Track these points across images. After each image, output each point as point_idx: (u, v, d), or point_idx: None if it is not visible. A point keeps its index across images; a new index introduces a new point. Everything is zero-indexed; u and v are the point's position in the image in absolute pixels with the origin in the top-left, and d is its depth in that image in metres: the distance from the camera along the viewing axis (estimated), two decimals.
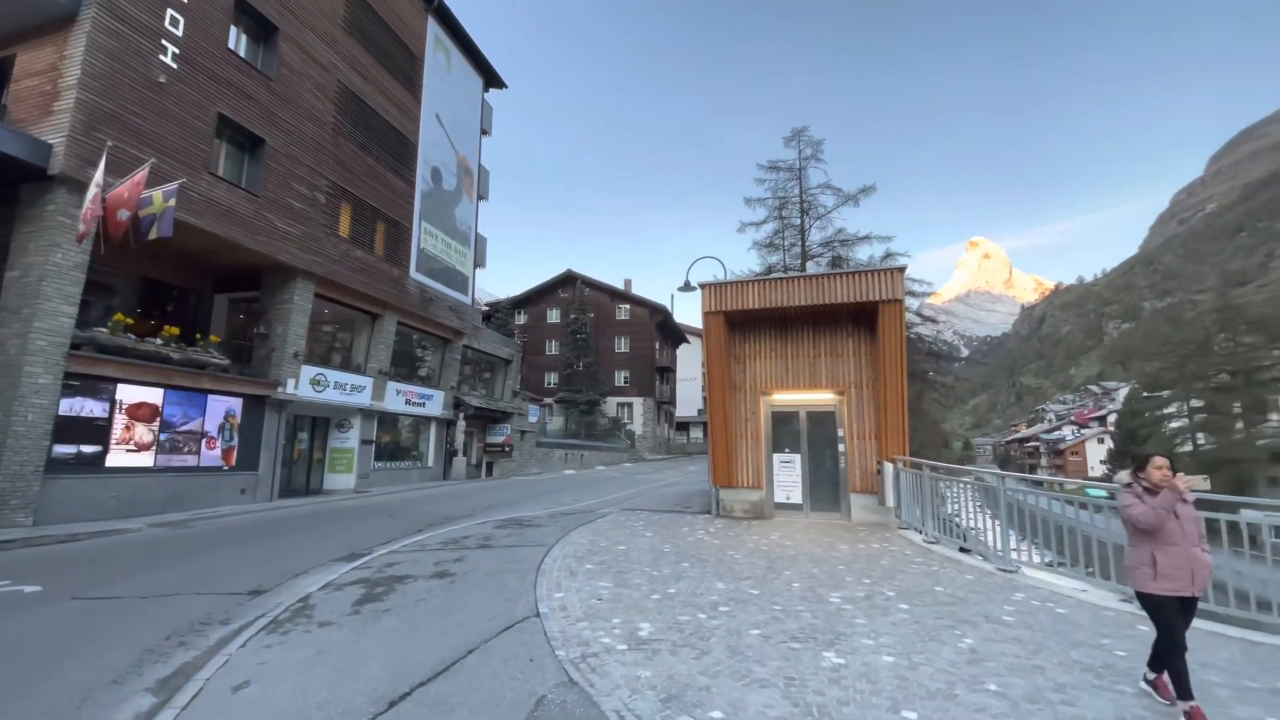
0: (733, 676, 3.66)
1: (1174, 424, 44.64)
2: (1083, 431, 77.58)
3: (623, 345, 44.60)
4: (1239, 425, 39.65)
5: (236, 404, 12.99)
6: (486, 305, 44.00)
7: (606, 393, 41.84)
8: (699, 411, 55.68)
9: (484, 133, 24.43)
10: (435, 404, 20.39)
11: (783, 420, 10.48)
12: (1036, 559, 7.22)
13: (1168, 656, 3.30)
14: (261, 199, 13.23)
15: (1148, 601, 3.44)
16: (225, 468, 12.68)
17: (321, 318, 16.63)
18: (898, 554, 7.41)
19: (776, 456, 10.34)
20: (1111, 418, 68.53)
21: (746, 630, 4.48)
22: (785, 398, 10.52)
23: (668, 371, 48.44)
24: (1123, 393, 76.82)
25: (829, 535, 8.64)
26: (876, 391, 9.66)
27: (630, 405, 43.58)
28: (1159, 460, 3.50)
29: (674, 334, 49.85)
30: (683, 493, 15.65)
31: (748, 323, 10.75)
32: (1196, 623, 4.93)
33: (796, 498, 10.15)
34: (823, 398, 10.27)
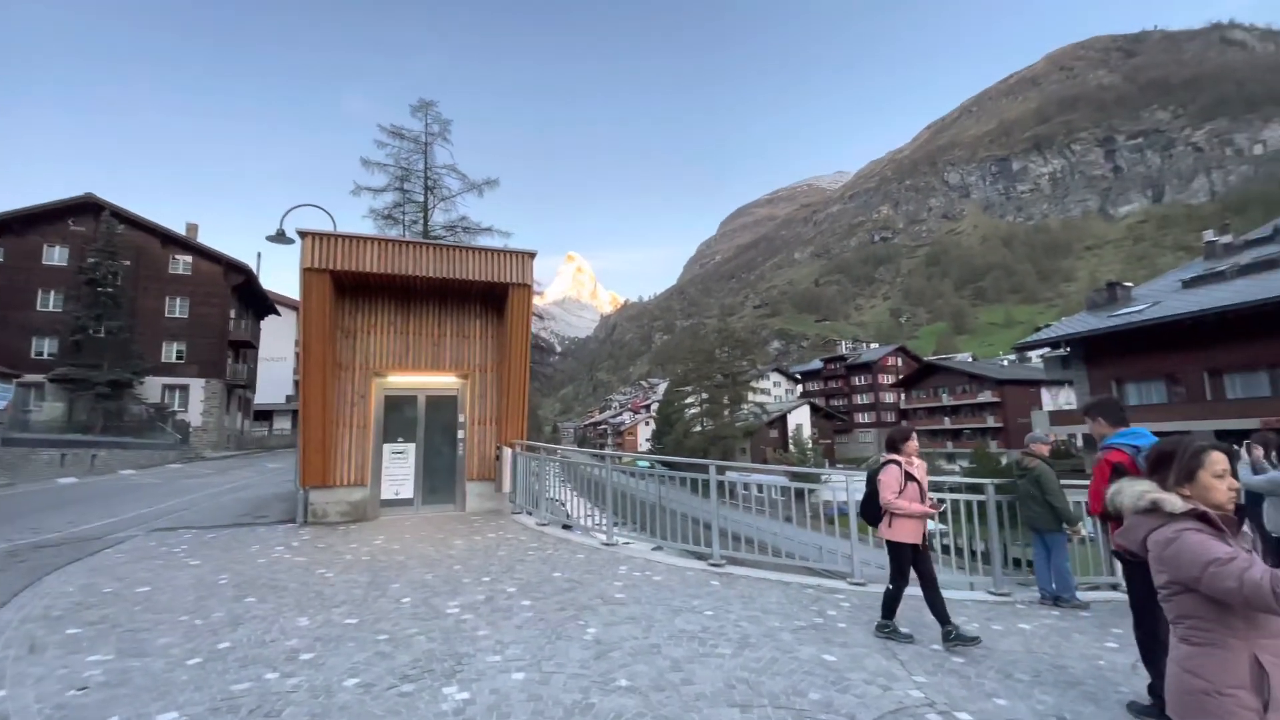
0: None
1: (692, 411, 59.86)
2: (635, 416, 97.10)
3: (178, 309, 32.90)
4: (727, 412, 55.84)
5: None
6: None
7: (146, 370, 30.60)
8: (288, 398, 46.58)
9: None
10: None
11: (398, 406, 9.19)
12: (626, 529, 8.01)
13: None
14: None
15: None
16: None
17: None
18: (514, 542, 7.21)
19: (388, 447, 9.00)
20: (654, 406, 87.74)
21: (340, 682, 3.37)
22: (404, 380, 9.27)
23: (247, 347, 38.50)
24: (662, 387, 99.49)
25: (443, 530, 7.89)
26: (501, 375, 9.39)
27: (185, 388, 32.63)
28: (1219, 460, 1.86)
29: (259, 302, 39.96)
30: (257, 498, 12.38)
31: (363, 289, 9.07)
32: (751, 572, 6.17)
33: (408, 492, 9.03)
34: (446, 381, 9.44)
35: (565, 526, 8.14)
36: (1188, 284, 27.10)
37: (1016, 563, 6.03)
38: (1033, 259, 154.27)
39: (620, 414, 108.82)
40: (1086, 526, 5.79)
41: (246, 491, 14.10)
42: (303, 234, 8.24)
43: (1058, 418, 30.42)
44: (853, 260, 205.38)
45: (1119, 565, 6.00)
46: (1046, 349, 33.46)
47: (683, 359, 73.77)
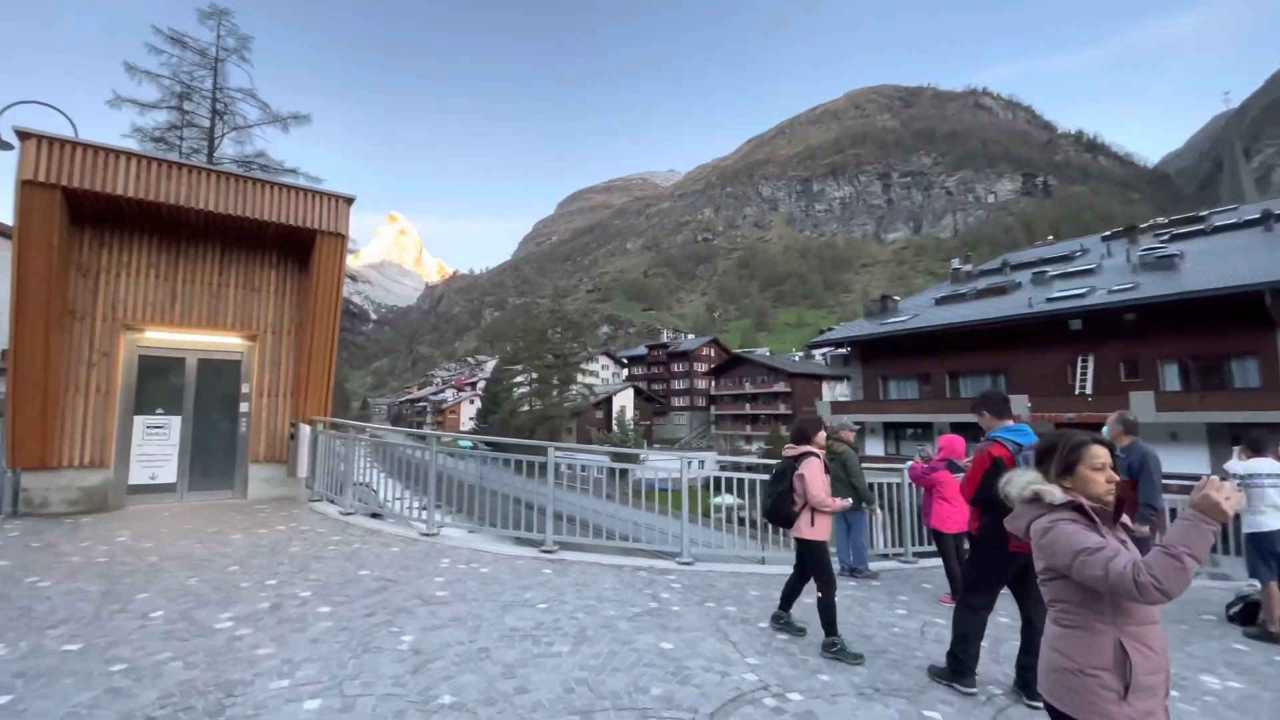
0: None
1: (521, 390, 58.83)
2: (460, 394, 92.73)
3: None
4: (556, 393, 55.81)
5: None
6: None
7: None
8: (4, 354, 35.72)
9: None
10: None
11: (158, 369, 7.35)
12: (449, 516, 7.39)
13: None
14: None
15: None
16: None
17: None
18: (311, 534, 6.20)
19: (142, 420, 7.16)
20: (481, 384, 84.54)
21: None
22: (168, 337, 7.44)
23: None
24: (490, 365, 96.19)
25: (217, 522, 6.51)
26: (301, 340, 8.01)
27: None
28: (1098, 454, 1.93)
29: None
30: None
31: (114, 218, 7.06)
32: (584, 556, 5.96)
33: (169, 475, 7.29)
34: (227, 342, 7.78)
35: (375, 515, 7.25)
36: (939, 301, 33.02)
37: None
38: (822, 270, 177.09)
39: (443, 391, 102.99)
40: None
41: None
42: (23, 135, 6.14)
43: (836, 407, 35.21)
44: (678, 256, 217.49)
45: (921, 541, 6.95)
46: (830, 348, 38.54)
47: (514, 337, 72.12)
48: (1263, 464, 4.81)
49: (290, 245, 8.11)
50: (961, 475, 4.94)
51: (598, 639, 3.77)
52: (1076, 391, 22.87)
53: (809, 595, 5.12)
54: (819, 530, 3.95)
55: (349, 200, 7.95)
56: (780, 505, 4.04)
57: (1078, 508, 1.86)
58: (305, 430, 7.67)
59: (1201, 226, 30.15)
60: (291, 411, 8.03)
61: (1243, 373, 19.92)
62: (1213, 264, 22.56)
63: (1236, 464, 4.98)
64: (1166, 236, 30.54)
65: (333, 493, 7.53)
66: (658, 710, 2.89)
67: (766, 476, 6.28)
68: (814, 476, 3.92)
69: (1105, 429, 5.00)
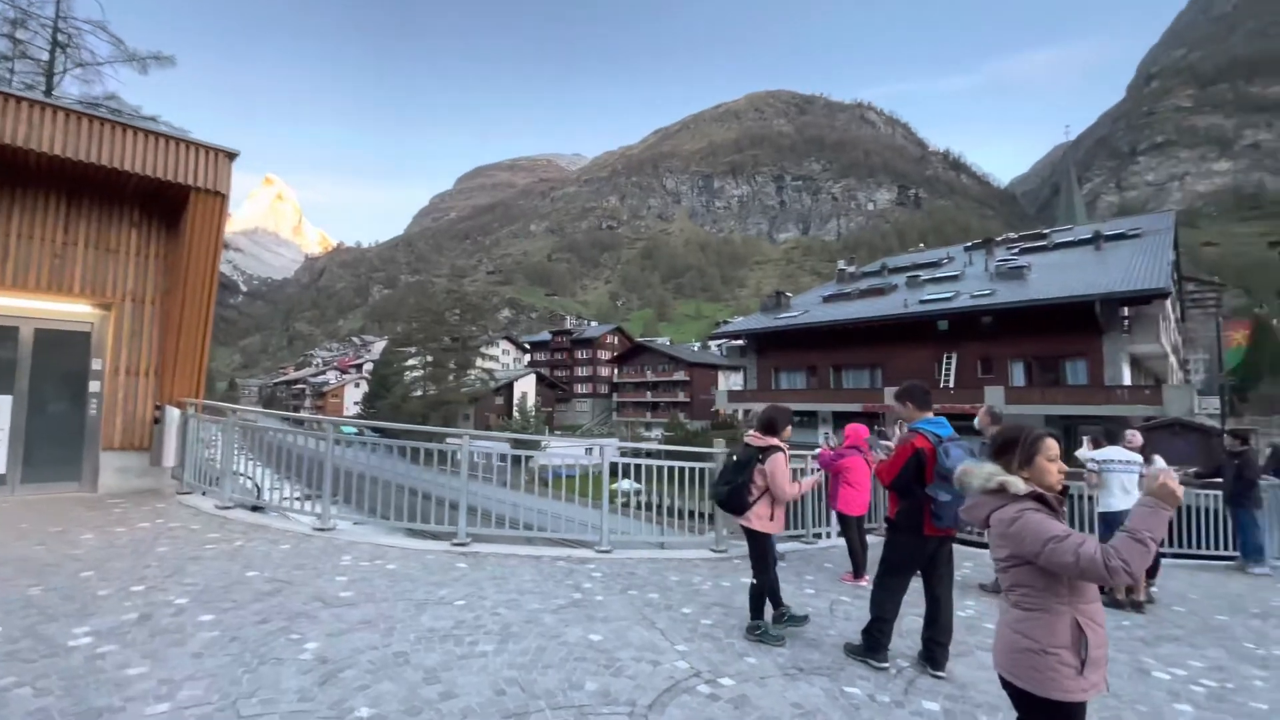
0: None
1: (414, 374, 55.89)
2: (344, 376, 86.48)
3: None
4: (452, 377, 53.61)
5: None
6: None
7: None
8: None
9: None
10: None
11: None
12: (346, 509, 6.84)
13: None
14: None
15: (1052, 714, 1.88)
16: None
17: None
18: (182, 532, 5.48)
19: None
20: (368, 366, 79.37)
21: None
22: None
23: None
24: (379, 346, 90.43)
25: (61, 520, 5.56)
26: (169, 310, 6.99)
27: None
28: (1052, 446, 2.06)
29: None
30: None
31: None
32: (498, 548, 5.69)
33: None
34: (73, 310, 6.59)
35: (256, 508, 6.55)
36: (826, 299, 35.31)
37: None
38: (720, 265, 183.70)
39: (324, 372, 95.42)
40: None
41: None
42: None
43: (732, 395, 36.74)
44: (583, 242, 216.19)
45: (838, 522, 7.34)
46: (728, 339, 40.13)
47: (407, 317, 68.28)
48: (1114, 451, 5.58)
49: (155, 201, 7.02)
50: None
51: (524, 635, 3.64)
52: (941, 386, 25.43)
53: (727, 578, 5.31)
54: (773, 524, 3.96)
55: (231, 155, 6.96)
56: (738, 494, 3.95)
57: (1039, 498, 1.98)
58: (173, 414, 6.73)
59: (1044, 243, 34.52)
60: (156, 392, 7.02)
61: (1074, 372, 23.16)
62: (1053, 276, 25.92)
63: (1089, 451, 5.75)
64: (1016, 250, 34.64)
65: (206, 484, 6.71)
66: (595, 706, 2.83)
67: (667, 463, 6.49)
68: (780, 473, 3.87)
69: (976, 419, 5.54)
